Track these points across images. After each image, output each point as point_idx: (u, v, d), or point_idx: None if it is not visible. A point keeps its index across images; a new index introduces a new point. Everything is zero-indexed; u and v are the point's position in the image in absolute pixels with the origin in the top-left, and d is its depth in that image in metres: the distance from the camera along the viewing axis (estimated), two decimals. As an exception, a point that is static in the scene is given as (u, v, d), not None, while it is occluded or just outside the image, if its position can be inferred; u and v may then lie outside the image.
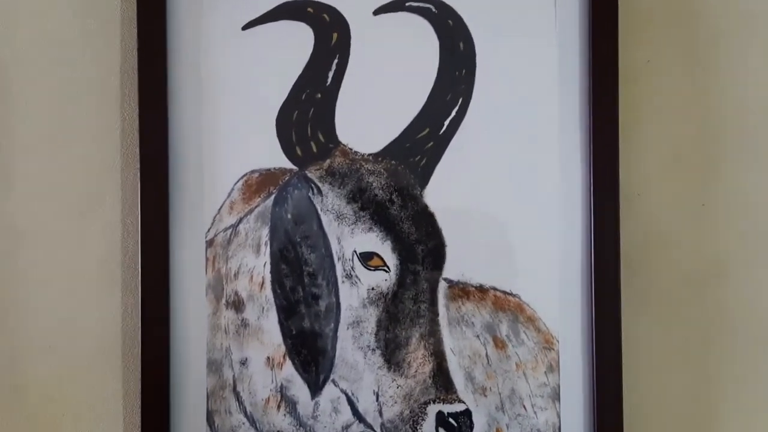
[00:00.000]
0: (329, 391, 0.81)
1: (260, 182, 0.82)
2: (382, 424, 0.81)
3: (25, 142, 0.83)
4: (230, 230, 0.82)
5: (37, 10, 0.83)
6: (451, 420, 0.81)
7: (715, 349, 0.86)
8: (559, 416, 0.82)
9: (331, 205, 0.81)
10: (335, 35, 0.82)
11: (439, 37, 0.82)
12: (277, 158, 0.81)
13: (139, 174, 0.80)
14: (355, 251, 0.81)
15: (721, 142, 0.86)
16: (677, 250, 0.86)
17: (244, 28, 0.82)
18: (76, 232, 0.83)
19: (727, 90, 0.86)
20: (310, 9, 0.82)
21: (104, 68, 0.83)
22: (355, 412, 0.81)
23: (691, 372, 0.86)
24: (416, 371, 0.81)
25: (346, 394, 0.81)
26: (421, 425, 0.81)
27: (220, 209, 0.82)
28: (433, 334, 0.81)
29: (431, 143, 0.82)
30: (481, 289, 0.82)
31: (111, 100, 0.83)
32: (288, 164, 0.82)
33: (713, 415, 0.86)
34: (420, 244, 0.81)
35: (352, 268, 0.81)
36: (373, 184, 0.82)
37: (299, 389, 0.81)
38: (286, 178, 0.82)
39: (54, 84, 0.83)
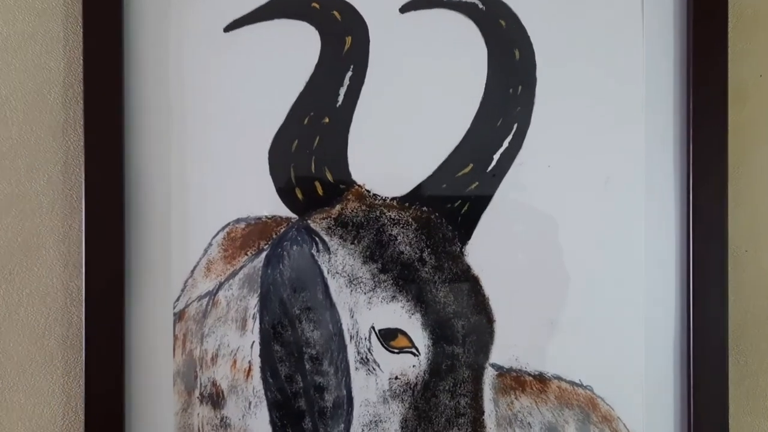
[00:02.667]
0: None
1: (247, 235, 0.72)
2: None
3: None
4: (207, 299, 0.72)
5: None
6: None
7: None
8: None
9: (341, 266, 0.71)
10: (349, 40, 0.73)
11: (488, 43, 0.73)
12: (270, 203, 0.72)
13: (83, 222, 0.69)
14: (373, 328, 0.72)
15: None
16: None
17: (227, 29, 0.72)
18: (2, 298, 0.72)
19: None
20: (315, 4, 0.72)
21: (42, 81, 0.72)
22: None
23: None
24: None
25: None
26: None
27: (193, 271, 0.72)
28: None
29: (476, 183, 0.72)
30: (541, 379, 0.72)
31: (51, 124, 0.72)
32: (285, 211, 0.73)
33: None
34: (460, 318, 0.71)
35: (369, 350, 0.72)
36: (398, 237, 0.72)
37: None
38: (282, 230, 0.72)
39: None
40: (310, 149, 0.72)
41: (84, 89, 0.69)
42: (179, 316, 0.71)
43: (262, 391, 0.71)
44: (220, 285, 0.71)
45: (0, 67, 0.71)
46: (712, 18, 0.71)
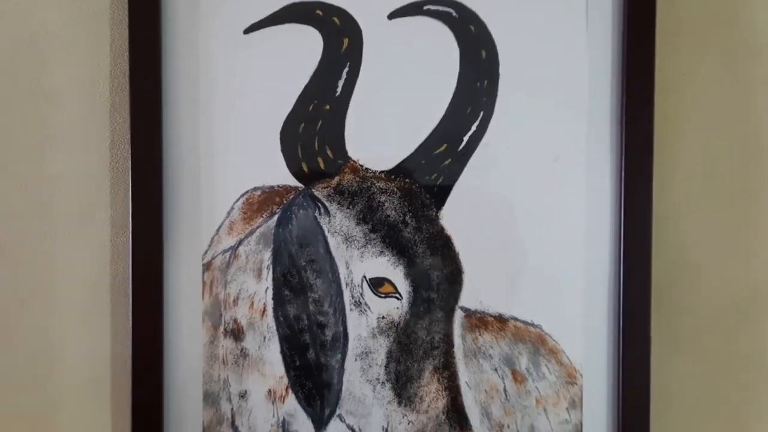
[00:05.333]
0: (335, 426, 0.78)
1: (262, 201, 0.78)
2: None
3: (6, 153, 0.79)
4: (229, 253, 0.78)
5: (17, 8, 0.78)
6: None
7: (750, 389, 0.83)
8: None
9: (339, 227, 0.78)
10: (346, 41, 0.78)
11: (460, 44, 0.78)
12: (281, 175, 0.78)
13: (130, 190, 0.76)
14: (364, 277, 0.78)
15: (762, 161, 0.82)
16: (711, 279, 0.83)
17: (247, 31, 0.78)
18: (63, 253, 0.80)
19: (766, 106, 0.82)
20: (318, 11, 0.78)
21: (93, 73, 0.79)
22: None
23: (722, 411, 0.83)
24: (429, 406, 0.78)
25: (353, 430, 0.78)
26: None
27: (218, 230, 0.78)
28: (447, 367, 0.78)
29: (449, 160, 0.78)
30: (501, 319, 0.79)
31: (100, 109, 0.79)
32: (293, 181, 0.78)
33: None
34: (435, 269, 0.78)
35: (361, 294, 0.78)
36: (385, 204, 0.78)
37: (302, 424, 0.78)
38: (291, 197, 0.78)
39: (37, 91, 0.79)
40: (314, 131, 0.77)
41: (130, 81, 0.76)
42: (207, 267, 0.78)
43: (275, 328, 0.78)
44: (240, 241, 0.78)
45: (58, 62, 0.79)
46: (643, 26, 0.77)
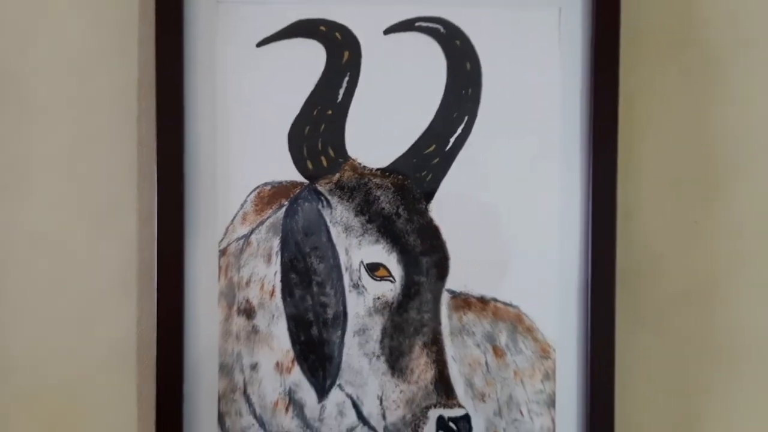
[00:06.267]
0: (335, 395, 0.83)
1: (272, 195, 0.83)
2: (386, 427, 0.84)
3: (44, 153, 0.85)
4: (242, 240, 0.83)
5: (56, 26, 0.85)
6: (451, 424, 0.84)
7: (702, 362, 0.89)
8: (553, 421, 0.85)
9: (339, 218, 0.83)
10: (347, 53, 0.83)
11: (447, 57, 0.83)
12: (288, 172, 0.83)
13: (156, 186, 0.81)
14: (362, 262, 0.83)
15: (714, 163, 0.89)
16: (670, 266, 0.88)
17: (259, 45, 0.83)
18: (95, 242, 0.85)
19: (721, 115, 0.88)
20: (322, 27, 0.82)
21: (122, 82, 0.84)
22: (360, 415, 0.84)
23: (680, 383, 0.89)
24: (419, 377, 0.83)
25: (352, 399, 0.83)
26: (423, 429, 0.83)
27: (233, 220, 0.83)
28: (435, 343, 0.84)
29: (437, 159, 0.83)
30: (483, 301, 0.84)
31: (129, 114, 0.85)
32: (299, 177, 0.83)
33: (698, 423, 0.90)
34: (424, 256, 0.83)
35: (359, 278, 0.83)
36: (381, 197, 0.83)
37: (306, 393, 0.83)
38: (297, 191, 0.83)
39: (73, 97, 0.85)
40: (317, 133, 0.82)
41: (156, 89, 0.80)
42: (222, 253, 0.82)
43: (282, 307, 0.82)
44: (252, 230, 0.82)
45: (93, 74, 0.84)
46: (608, 42, 0.82)
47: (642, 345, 0.88)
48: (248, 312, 0.83)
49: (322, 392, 0.84)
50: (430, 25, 0.83)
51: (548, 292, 0.85)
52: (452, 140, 0.84)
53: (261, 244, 0.83)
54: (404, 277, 0.83)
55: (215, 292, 0.83)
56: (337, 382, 0.83)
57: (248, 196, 0.83)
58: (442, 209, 0.83)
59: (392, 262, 0.83)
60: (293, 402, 0.84)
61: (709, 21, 0.88)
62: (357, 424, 0.84)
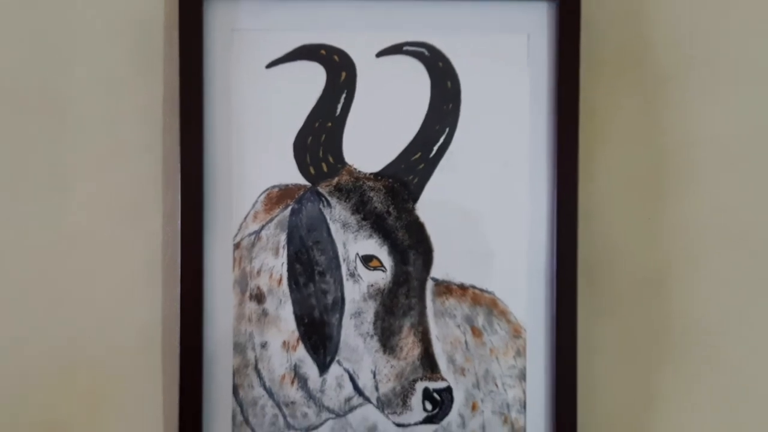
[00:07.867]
0: (334, 369, 0.88)
1: (279, 196, 0.87)
2: (378, 398, 0.88)
3: (81, 161, 0.90)
4: (254, 236, 0.87)
5: (93, 51, 0.90)
6: (435, 395, 0.88)
7: (655, 342, 0.93)
8: (524, 393, 0.90)
9: (338, 216, 0.87)
10: (344, 74, 0.87)
11: (431, 77, 0.88)
12: (293, 176, 0.87)
13: (179, 189, 0.86)
14: (357, 254, 0.87)
15: (665, 167, 0.93)
16: (628, 258, 0.92)
17: (268, 66, 0.87)
18: (125, 238, 0.90)
19: (670, 124, 0.93)
20: (323, 51, 0.87)
21: (149, 99, 0.90)
22: (356, 387, 0.88)
23: (635, 361, 0.93)
24: (407, 354, 0.87)
25: (349, 373, 0.88)
26: (410, 399, 0.88)
27: (245, 218, 0.87)
28: (421, 324, 0.88)
29: (422, 165, 0.88)
30: (462, 287, 0.88)
31: (155, 127, 0.90)
32: (303, 181, 0.87)
33: (652, 392, 0.94)
34: (412, 249, 0.88)
35: (355, 268, 0.87)
36: (374, 198, 0.87)
37: (310, 368, 0.88)
38: (301, 193, 0.87)
39: (107, 112, 0.90)
40: (319, 142, 0.86)
41: (179, 105, 0.84)
42: (236, 246, 0.86)
43: (288, 293, 0.86)
44: (262, 227, 0.86)
45: (124, 92, 0.88)
46: (570, 61, 0.86)
47: (601, 327, 0.92)
48: (259, 298, 0.88)
49: (323, 367, 0.88)
50: (416, 49, 0.88)
51: (520, 280, 0.89)
52: (435, 148, 0.88)
53: (270, 238, 0.87)
54: (394, 267, 0.87)
55: (230, 280, 0.87)
56: (336, 359, 0.88)
57: (259, 197, 0.88)
58: (427, 208, 0.88)
59: (384, 254, 0.87)
60: (298, 376, 0.88)
61: (658, 43, 0.93)
62: (353, 395, 0.89)
